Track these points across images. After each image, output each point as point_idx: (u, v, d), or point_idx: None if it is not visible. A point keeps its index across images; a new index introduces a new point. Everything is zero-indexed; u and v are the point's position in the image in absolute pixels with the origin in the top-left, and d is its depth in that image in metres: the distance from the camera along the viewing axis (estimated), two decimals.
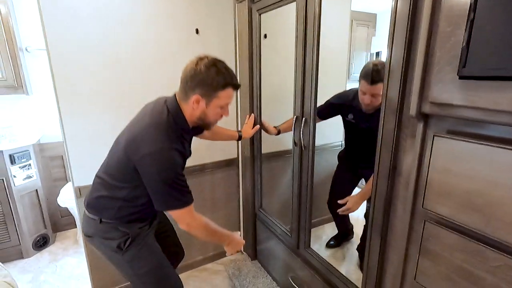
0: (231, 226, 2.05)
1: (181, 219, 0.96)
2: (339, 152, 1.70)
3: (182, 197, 0.93)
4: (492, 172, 0.63)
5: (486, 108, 0.60)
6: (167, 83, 1.54)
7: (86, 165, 1.47)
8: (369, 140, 1.28)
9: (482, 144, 0.64)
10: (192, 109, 0.95)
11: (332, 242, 1.76)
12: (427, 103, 0.72)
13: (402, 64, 0.77)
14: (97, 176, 1.05)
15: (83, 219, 1.08)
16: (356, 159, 1.52)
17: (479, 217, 0.66)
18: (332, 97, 1.48)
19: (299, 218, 1.37)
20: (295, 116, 1.27)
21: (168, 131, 0.91)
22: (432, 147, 0.74)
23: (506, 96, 0.56)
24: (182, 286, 1.09)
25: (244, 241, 1.20)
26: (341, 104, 1.44)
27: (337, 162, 1.68)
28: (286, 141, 1.79)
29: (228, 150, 1.89)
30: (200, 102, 0.93)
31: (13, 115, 2.18)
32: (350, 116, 1.41)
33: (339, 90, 1.50)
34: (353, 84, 1.49)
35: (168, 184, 0.89)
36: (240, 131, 1.57)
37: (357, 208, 1.31)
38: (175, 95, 0.99)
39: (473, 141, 0.65)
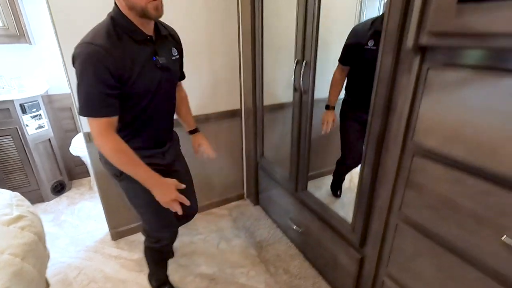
0: (235, 175, 2.15)
1: (91, 130, 0.89)
2: (342, 107, 1.62)
3: (93, 105, 0.85)
4: (481, 100, 0.64)
5: (482, 33, 0.59)
6: None
7: None
8: None
9: (474, 72, 0.64)
10: None
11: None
12: (424, 34, 0.70)
13: None
14: None
15: None
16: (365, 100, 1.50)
17: (463, 147, 0.69)
18: (348, 36, 1.45)
19: (297, 162, 1.43)
20: (296, 60, 1.26)
21: (100, 29, 0.86)
22: (425, 81, 0.75)
23: (501, 15, 0.55)
24: (175, 225, 1.07)
25: (174, 194, 0.97)
26: (359, 35, 1.38)
27: (340, 121, 1.62)
28: (288, 95, 1.79)
29: (232, 101, 1.91)
30: None
31: (19, 66, 2.20)
32: (371, 43, 1.34)
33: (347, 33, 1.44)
34: None
35: (82, 83, 0.83)
36: (196, 131, 1.37)
37: None
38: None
39: (465, 71, 0.66)
